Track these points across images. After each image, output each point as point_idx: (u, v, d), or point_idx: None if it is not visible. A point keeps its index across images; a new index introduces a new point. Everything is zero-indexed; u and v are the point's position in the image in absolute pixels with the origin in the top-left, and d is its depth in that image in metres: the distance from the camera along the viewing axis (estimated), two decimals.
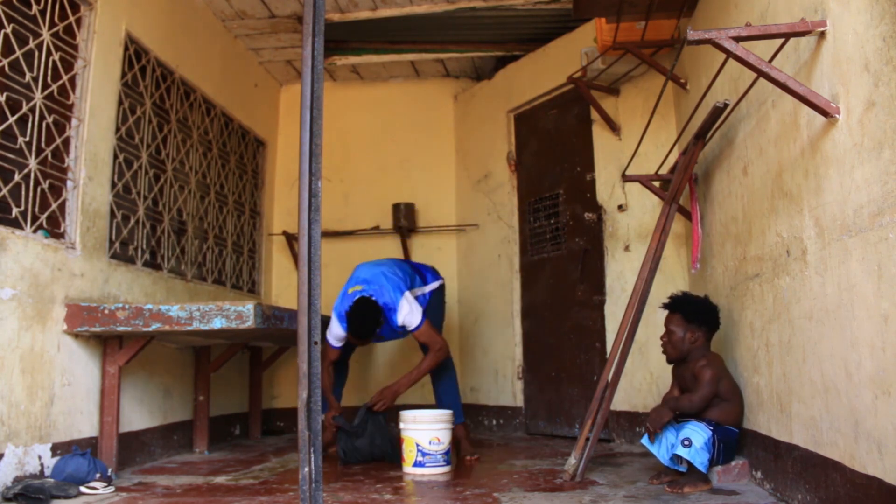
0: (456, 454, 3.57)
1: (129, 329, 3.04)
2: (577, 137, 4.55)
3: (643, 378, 3.96)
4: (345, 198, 5.63)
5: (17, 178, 2.84)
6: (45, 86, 3.02)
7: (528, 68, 5.01)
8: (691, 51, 3.35)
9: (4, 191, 2.77)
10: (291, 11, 4.64)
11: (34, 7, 2.97)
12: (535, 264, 4.80)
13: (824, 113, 1.90)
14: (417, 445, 3.19)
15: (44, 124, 3.00)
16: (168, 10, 4.02)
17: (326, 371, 3.76)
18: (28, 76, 2.93)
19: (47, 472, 2.82)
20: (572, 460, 2.93)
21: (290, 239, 5.44)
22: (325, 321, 3.68)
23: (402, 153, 5.71)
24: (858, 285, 1.77)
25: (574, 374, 4.39)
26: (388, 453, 3.53)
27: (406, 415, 3.29)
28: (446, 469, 3.23)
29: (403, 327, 3.61)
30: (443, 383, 3.78)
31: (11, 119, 2.83)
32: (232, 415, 4.70)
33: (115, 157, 3.49)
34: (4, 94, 2.81)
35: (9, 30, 2.82)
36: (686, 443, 2.60)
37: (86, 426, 3.10)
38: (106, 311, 3.03)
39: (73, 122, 3.20)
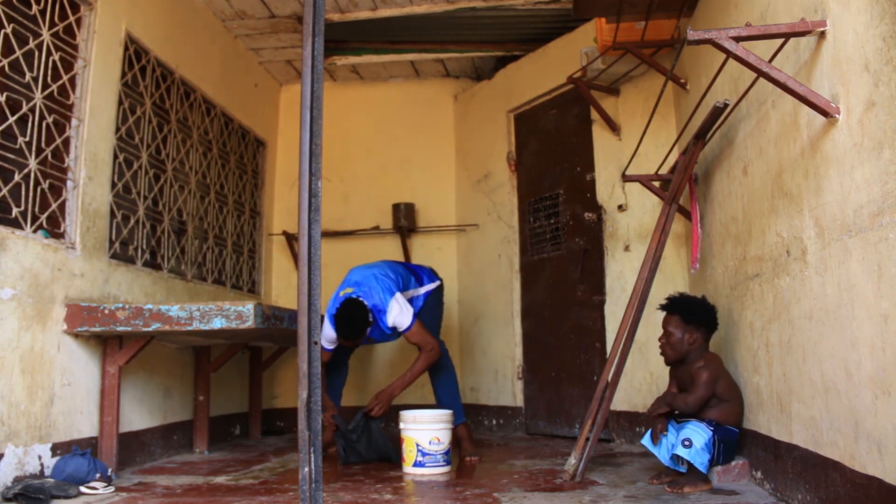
0: (457, 454, 3.58)
1: (129, 329, 3.04)
2: (577, 137, 4.55)
3: (643, 378, 3.97)
4: (345, 198, 5.63)
5: (17, 178, 2.84)
6: (45, 86, 3.02)
7: (528, 68, 5.01)
8: (691, 51, 3.35)
9: (4, 191, 2.77)
10: (291, 11, 4.64)
11: (34, 7, 2.97)
12: (535, 264, 4.80)
13: (824, 113, 1.90)
14: (417, 445, 3.19)
15: (44, 124, 3.00)
16: (168, 10, 4.02)
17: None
18: (28, 76, 2.93)
19: (47, 472, 2.82)
20: (572, 460, 2.93)
21: (290, 239, 5.44)
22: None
23: (401, 153, 5.71)
24: (858, 285, 1.77)
25: (574, 374, 4.39)
26: (387, 456, 3.52)
27: (406, 415, 3.29)
28: (446, 469, 3.23)
29: (394, 328, 3.60)
30: (442, 383, 3.78)
31: (11, 119, 2.83)
32: (232, 415, 4.70)
33: (115, 157, 3.49)
34: (4, 94, 2.81)
35: (9, 30, 2.82)
36: (686, 443, 2.60)
37: (86, 426, 3.10)
38: (106, 311, 3.03)
39: (73, 122, 3.20)
